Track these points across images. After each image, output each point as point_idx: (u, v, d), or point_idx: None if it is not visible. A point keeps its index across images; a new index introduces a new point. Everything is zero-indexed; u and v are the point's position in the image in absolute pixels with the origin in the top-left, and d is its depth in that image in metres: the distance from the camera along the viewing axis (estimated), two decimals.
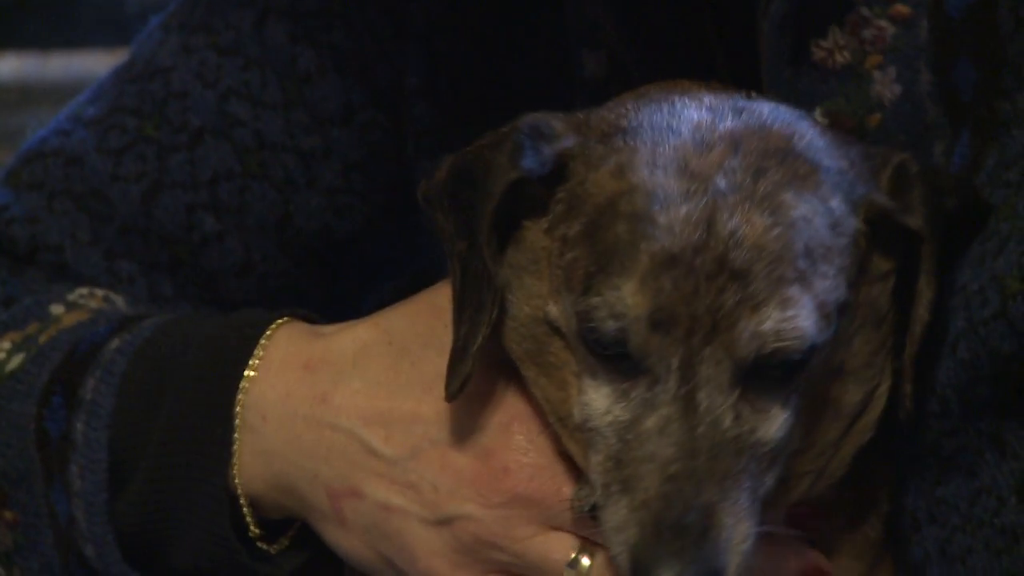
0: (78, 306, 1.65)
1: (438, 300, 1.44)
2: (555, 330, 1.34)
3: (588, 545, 1.37)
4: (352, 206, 1.67)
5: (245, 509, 1.48)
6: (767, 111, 1.35)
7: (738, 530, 1.26)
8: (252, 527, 1.49)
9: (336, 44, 1.64)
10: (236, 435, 1.47)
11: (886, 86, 1.43)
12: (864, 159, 1.36)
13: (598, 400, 1.30)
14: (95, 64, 3.60)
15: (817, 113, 1.45)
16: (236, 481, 1.48)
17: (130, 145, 1.67)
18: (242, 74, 1.66)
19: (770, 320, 1.26)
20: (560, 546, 1.38)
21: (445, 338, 1.38)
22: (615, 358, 1.29)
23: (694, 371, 1.27)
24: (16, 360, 1.59)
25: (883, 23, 1.43)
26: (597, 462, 1.30)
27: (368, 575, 1.46)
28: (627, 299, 1.26)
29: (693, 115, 1.33)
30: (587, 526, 1.36)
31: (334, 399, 1.44)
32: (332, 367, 1.46)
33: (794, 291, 1.27)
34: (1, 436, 1.57)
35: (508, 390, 1.39)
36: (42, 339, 1.60)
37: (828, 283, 1.30)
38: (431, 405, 1.40)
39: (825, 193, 1.31)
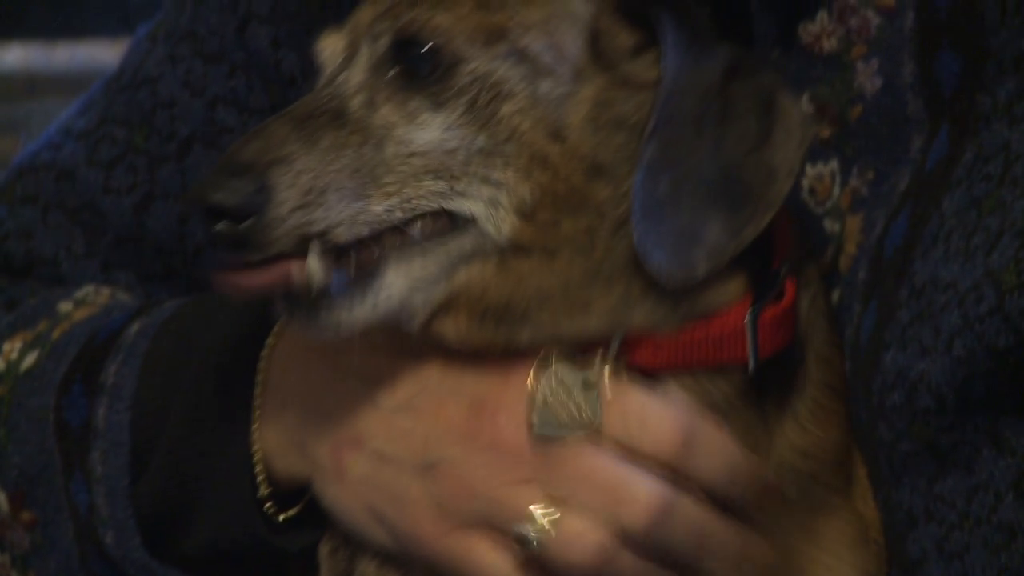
0: (86, 303, 1.64)
1: None
2: None
3: (559, 502, 1.36)
4: None
5: (258, 467, 1.48)
6: None
7: (315, 182, 1.31)
8: (263, 488, 1.48)
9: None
10: (258, 390, 1.48)
11: (868, 78, 1.42)
12: None
13: None
14: (101, 54, 3.60)
15: (805, 98, 1.45)
16: (255, 439, 1.48)
17: (120, 157, 1.67)
18: (228, 81, 1.66)
19: (417, 10, 1.35)
20: (532, 498, 1.37)
21: None
22: None
23: (349, 60, 1.38)
24: (31, 357, 1.59)
25: (869, 13, 1.43)
26: None
27: (361, 538, 1.46)
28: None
29: None
30: (562, 479, 1.36)
31: (349, 351, 1.44)
32: None
33: (462, 9, 1.36)
34: (19, 434, 1.57)
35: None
36: (55, 335, 1.60)
37: (515, 31, 1.36)
38: (434, 359, 1.41)
39: None
